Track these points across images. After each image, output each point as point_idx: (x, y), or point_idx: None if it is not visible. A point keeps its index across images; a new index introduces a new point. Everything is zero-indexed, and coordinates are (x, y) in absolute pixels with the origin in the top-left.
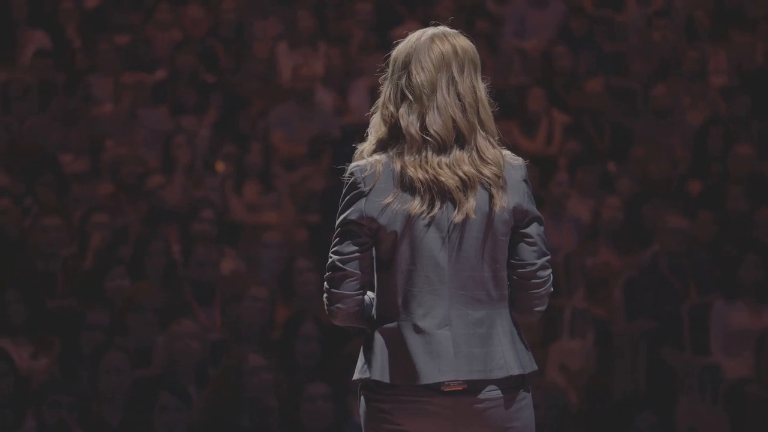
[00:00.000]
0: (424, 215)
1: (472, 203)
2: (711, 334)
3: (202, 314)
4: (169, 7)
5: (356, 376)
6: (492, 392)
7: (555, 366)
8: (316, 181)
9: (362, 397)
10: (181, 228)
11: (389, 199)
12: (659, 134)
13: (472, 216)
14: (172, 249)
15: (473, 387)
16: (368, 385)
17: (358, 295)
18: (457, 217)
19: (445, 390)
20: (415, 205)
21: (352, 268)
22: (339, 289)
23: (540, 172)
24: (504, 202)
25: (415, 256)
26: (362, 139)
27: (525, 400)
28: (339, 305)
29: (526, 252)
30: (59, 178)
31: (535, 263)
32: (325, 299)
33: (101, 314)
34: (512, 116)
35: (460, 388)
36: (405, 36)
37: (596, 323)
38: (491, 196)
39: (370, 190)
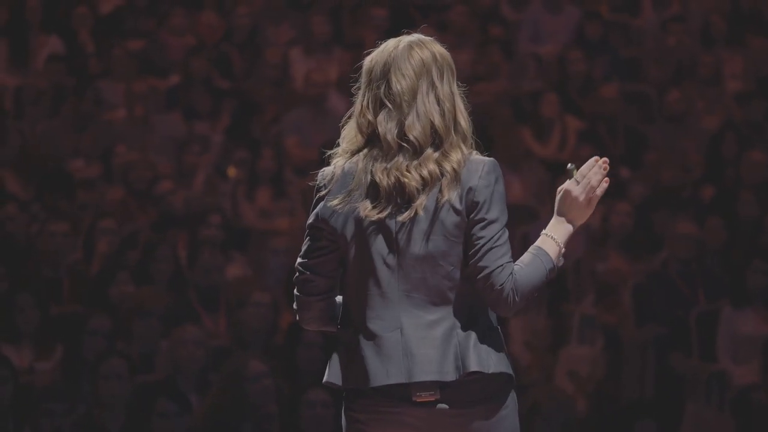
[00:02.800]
0: (373, 218)
1: (423, 200)
2: (719, 341)
3: (207, 320)
4: (184, 13)
5: (323, 379)
6: (467, 402)
7: (564, 372)
8: None
9: (343, 404)
10: (189, 234)
11: (337, 202)
12: (673, 139)
13: (420, 213)
14: (179, 255)
15: (448, 398)
16: (347, 393)
17: (321, 299)
18: (405, 216)
19: (417, 401)
20: (366, 207)
21: (311, 271)
22: (303, 293)
23: (551, 177)
24: (452, 196)
25: (364, 258)
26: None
27: (505, 410)
28: (303, 309)
29: (476, 257)
30: (68, 183)
31: (488, 266)
32: (293, 304)
33: (104, 320)
34: (526, 121)
35: (432, 399)
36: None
37: (605, 329)
38: (440, 191)
39: (327, 193)
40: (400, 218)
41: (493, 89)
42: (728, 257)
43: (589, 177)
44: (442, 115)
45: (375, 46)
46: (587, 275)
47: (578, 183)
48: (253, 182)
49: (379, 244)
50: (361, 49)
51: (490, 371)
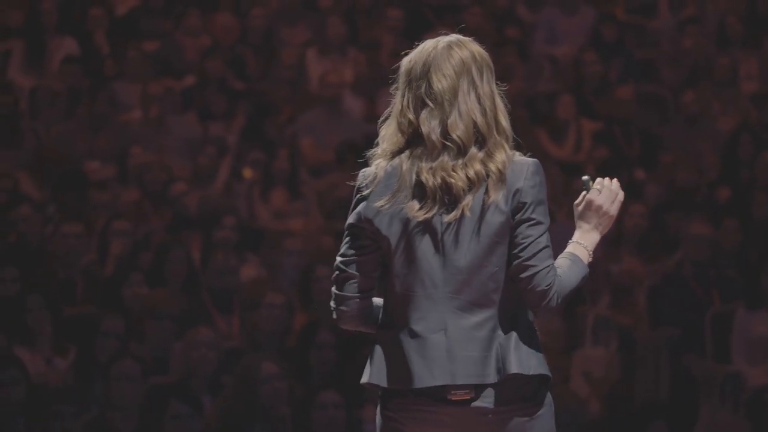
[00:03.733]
0: (420, 218)
1: (469, 200)
2: (733, 342)
3: (220, 321)
4: (199, 14)
5: (362, 379)
6: (501, 400)
7: (578, 373)
8: (343, 188)
9: (378, 403)
10: (203, 235)
11: (383, 203)
12: (689, 141)
13: (467, 213)
14: (193, 256)
15: (482, 396)
16: (384, 391)
17: (359, 298)
18: (451, 217)
19: (452, 399)
20: (412, 208)
21: (352, 270)
22: (341, 291)
23: (566, 178)
24: (498, 197)
25: (410, 259)
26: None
27: (541, 410)
28: (342, 307)
29: (525, 255)
30: (83, 185)
31: (529, 272)
32: (331, 302)
33: (117, 321)
34: (541, 123)
35: (467, 397)
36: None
37: (620, 331)
38: (486, 192)
39: (369, 193)
40: (446, 219)
41: (508, 90)
42: (743, 259)
43: (609, 185)
44: (484, 114)
45: (391, 47)
46: (602, 277)
47: (599, 192)
48: (268, 183)
49: (425, 245)
50: (377, 50)
51: (530, 373)
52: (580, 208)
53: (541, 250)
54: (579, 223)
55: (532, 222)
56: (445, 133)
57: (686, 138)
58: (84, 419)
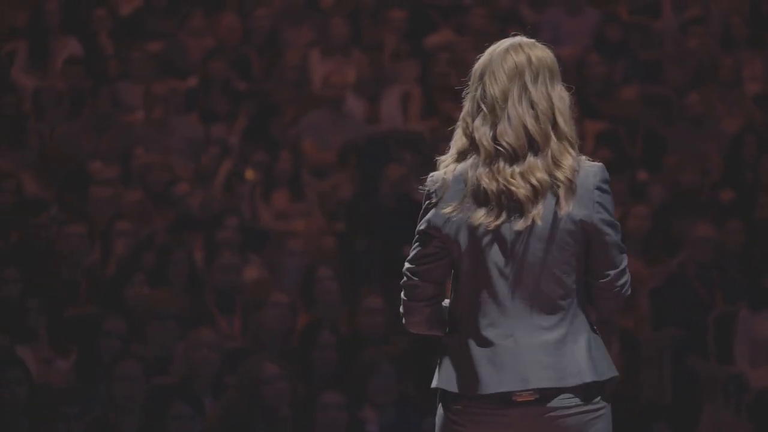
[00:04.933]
0: (489, 225)
1: (539, 209)
2: (736, 344)
3: (223, 322)
4: (203, 14)
5: (432, 384)
6: (565, 401)
7: None
8: (346, 189)
9: (439, 404)
10: (206, 236)
11: (451, 210)
12: (693, 142)
13: (538, 222)
14: (196, 257)
15: (544, 396)
16: (444, 394)
17: (428, 304)
18: (521, 225)
19: (518, 400)
20: (480, 215)
21: (420, 277)
22: (410, 299)
23: None
24: (570, 208)
25: (478, 266)
26: (388, 148)
27: (602, 410)
28: (411, 313)
29: (598, 262)
30: (86, 185)
31: (609, 273)
32: (400, 307)
33: (119, 322)
34: None
35: (532, 398)
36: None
37: (622, 332)
38: (557, 201)
39: (438, 200)
40: (515, 227)
41: None
42: (746, 260)
43: None
44: (536, 118)
45: (394, 48)
46: None
47: None
48: (271, 184)
49: (494, 253)
50: (380, 51)
51: (604, 378)
52: None
53: (621, 254)
54: None
55: (607, 225)
56: (496, 139)
57: (690, 139)
58: (86, 420)
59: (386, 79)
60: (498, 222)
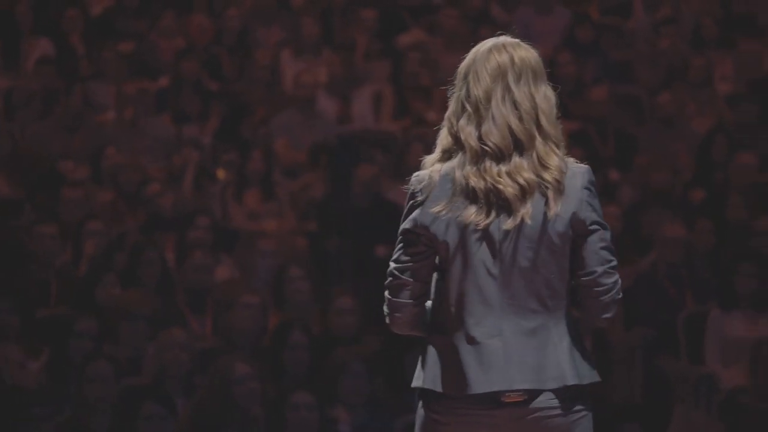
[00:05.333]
0: (478, 224)
1: (528, 209)
2: (707, 344)
3: (194, 322)
4: (174, 15)
5: (413, 383)
6: (549, 401)
7: None
8: (317, 189)
9: (420, 403)
10: (177, 236)
11: (440, 208)
12: (664, 142)
13: (528, 222)
14: (167, 257)
15: (531, 397)
16: (426, 393)
17: (413, 304)
18: (510, 224)
19: (506, 401)
20: (470, 214)
21: (407, 276)
22: (395, 298)
23: None
24: (559, 208)
25: (467, 265)
26: (359, 147)
27: (583, 411)
28: (396, 314)
29: (587, 260)
30: (58, 185)
31: (596, 270)
32: (384, 307)
33: (90, 322)
34: None
35: (520, 399)
36: (412, 43)
37: (593, 332)
38: (547, 202)
39: (425, 199)
40: (504, 226)
41: None
42: (717, 260)
43: None
44: (520, 119)
45: (365, 47)
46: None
47: None
48: (242, 184)
49: (482, 252)
50: (351, 51)
51: (585, 382)
52: None
53: (611, 253)
54: None
55: (596, 225)
56: (481, 138)
57: (661, 139)
58: (57, 421)
59: (357, 78)
60: (488, 221)
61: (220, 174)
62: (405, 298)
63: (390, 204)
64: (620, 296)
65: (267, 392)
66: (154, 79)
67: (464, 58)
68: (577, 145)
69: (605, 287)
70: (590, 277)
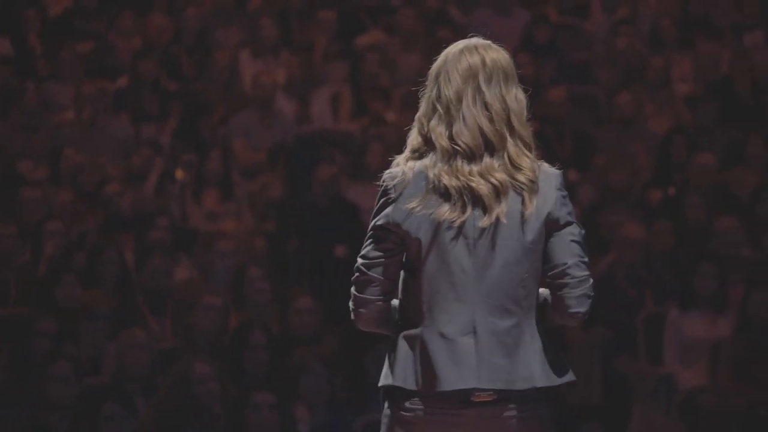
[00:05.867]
0: (453, 221)
1: (503, 208)
2: (666, 344)
3: (154, 322)
4: (132, 15)
5: (381, 382)
6: (518, 402)
7: None
8: (276, 190)
9: (386, 403)
10: (137, 236)
11: (413, 205)
12: (622, 142)
13: (503, 220)
14: (127, 257)
15: (501, 398)
16: (394, 392)
17: (380, 300)
18: (485, 222)
19: (475, 401)
20: (444, 211)
21: (375, 273)
22: (362, 294)
23: None
24: (534, 208)
25: (441, 262)
26: (318, 148)
27: (553, 409)
28: (362, 310)
29: (558, 253)
30: (16, 185)
31: (566, 262)
32: (350, 303)
33: (50, 322)
34: None
35: (490, 399)
36: (370, 43)
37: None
38: (523, 202)
39: (398, 196)
40: (479, 224)
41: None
42: (676, 261)
43: None
44: (491, 120)
45: (323, 48)
46: None
47: None
48: (201, 184)
49: (457, 249)
50: (310, 52)
51: (556, 384)
52: None
53: (577, 250)
54: None
55: (570, 225)
56: (452, 139)
57: (619, 139)
58: (18, 421)
59: (316, 79)
60: (462, 218)
61: (179, 174)
62: (372, 295)
63: (349, 204)
64: (593, 294)
65: (228, 392)
66: (112, 79)
67: (436, 59)
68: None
69: (576, 279)
70: (560, 269)
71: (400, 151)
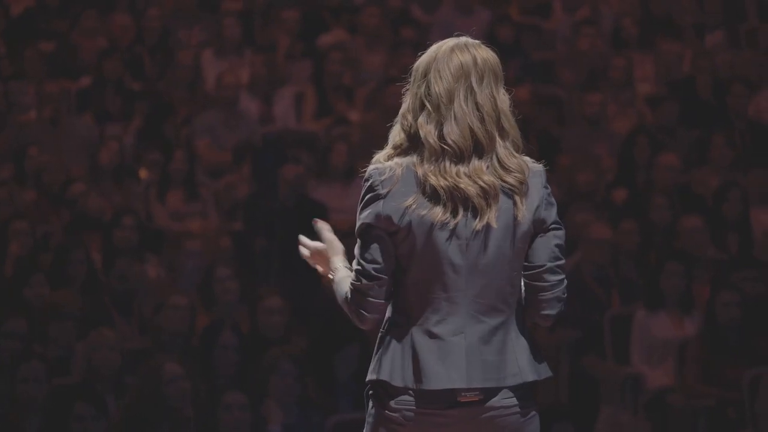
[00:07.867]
0: (446, 222)
1: (494, 210)
2: (633, 344)
3: (122, 322)
4: (95, 15)
5: (368, 377)
6: (504, 401)
7: None
8: (241, 189)
9: (371, 402)
10: (103, 236)
11: (410, 202)
12: (586, 143)
13: (495, 223)
14: (93, 257)
15: (487, 396)
16: (380, 390)
17: (387, 301)
18: (478, 225)
19: (461, 401)
20: (438, 212)
21: (384, 274)
22: (373, 298)
23: None
24: (525, 208)
25: (433, 262)
26: (283, 147)
27: (533, 410)
28: (373, 314)
29: (537, 254)
30: None
31: (543, 265)
32: (354, 306)
33: (19, 322)
34: None
35: (476, 399)
36: (333, 43)
37: None
38: (514, 204)
39: (388, 192)
40: (472, 225)
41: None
42: (642, 260)
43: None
44: (482, 120)
45: (287, 48)
46: None
47: None
48: (165, 184)
49: (449, 249)
50: (273, 51)
51: (542, 378)
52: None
53: (558, 253)
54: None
55: (555, 225)
56: (442, 137)
57: (583, 139)
58: None
59: (279, 79)
60: (456, 219)
61: (143, 174)
62: (381, 298)
63: (315, 203)
64: (565, 296)
65: (198, 392)
66: (75, 78)
67: (421, 55)
68: None
69: (550, 283)
70: (537, 271)
71: (364, 151)
